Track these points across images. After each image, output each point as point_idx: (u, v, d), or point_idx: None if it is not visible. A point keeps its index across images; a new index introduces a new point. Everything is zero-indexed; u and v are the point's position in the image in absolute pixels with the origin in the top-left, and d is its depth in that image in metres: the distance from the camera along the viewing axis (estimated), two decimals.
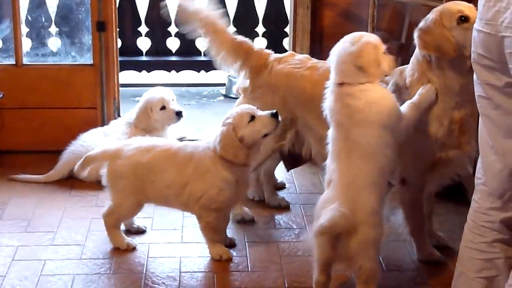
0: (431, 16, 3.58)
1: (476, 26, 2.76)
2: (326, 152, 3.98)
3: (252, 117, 3.67)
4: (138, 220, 4.16)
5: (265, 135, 3.70)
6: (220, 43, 4.12)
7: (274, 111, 3.69)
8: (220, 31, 4.13)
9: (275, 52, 4.24)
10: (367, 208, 3.18)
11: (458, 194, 4.09)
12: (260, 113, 3.72)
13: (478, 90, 2.86)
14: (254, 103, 4.03)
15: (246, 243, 4.04)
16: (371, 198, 3.19)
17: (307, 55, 4.17)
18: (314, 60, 4.09)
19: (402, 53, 4.92)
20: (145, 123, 4.95)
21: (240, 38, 4.18)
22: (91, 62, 5.15)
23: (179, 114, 4.97)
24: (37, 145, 5.11)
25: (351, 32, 5.15)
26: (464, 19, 3.44)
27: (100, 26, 5.08)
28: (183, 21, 4.17)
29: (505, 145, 2.80)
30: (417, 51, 3.68)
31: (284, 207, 4.44)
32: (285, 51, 5.66)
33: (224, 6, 6.81)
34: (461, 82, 3.47)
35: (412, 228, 3.81)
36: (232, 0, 6.94)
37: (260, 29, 6.93)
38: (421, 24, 3.60)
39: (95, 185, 4.64)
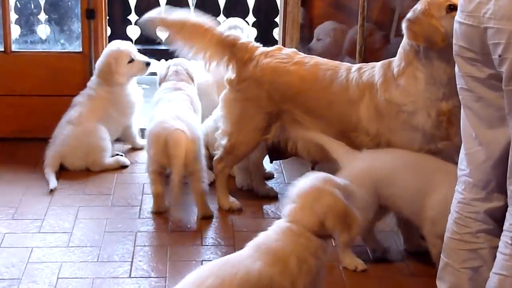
0: (419, 6, 3.59)
1: (458, 18, 2.78)
2: (312, 147, 4.00)
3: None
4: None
5: None
6: (205, 45, 4.11)
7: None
8: (205, 33, 4.11)
9: (265, 42, 4.24)
10: None
11: None
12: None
13: (460, 82, 2.87)
14: (239, 95, 4.04)
15: (234, 233, 4.04)
16: None
17: (294, 49, 4.16)
18: (301, 55, 4.07)
19: (390, 45, 4.95)
20: (109, 77, 4.86)
21: (227, 33, 4.18)
22: (80, 49, 5.14)
23: (148, 65, 4.94)
24: (25, 133, 5.10)
25: (341, 22, 5.20)
26: (452, 8, 3.46)
27: (90, 14, 5.06)
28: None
29: (488, 136, 2.82)
30: (404, 41, 3.69)
31: (273, 197, 4.45)
32: (275, 41, 5.68)
33: None
34: (449, 72, 3.48)
35: (399, 219, 3.83)
36: None
37: (251, 18, 6.91)
38: (409, 15, 3.62)
39: (83, 173, 4.66)
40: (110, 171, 4.76)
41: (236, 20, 5.01)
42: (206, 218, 4.16)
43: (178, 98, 4.42)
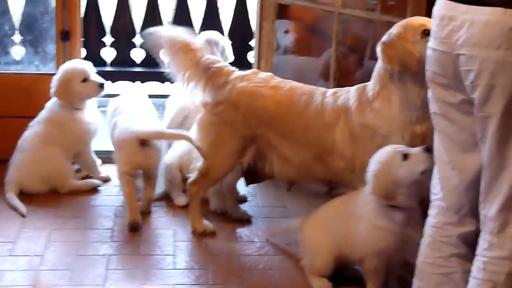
0: (394, 30, 3.62)
1: (431, 45, 2.81)
2: (288, 170, 4.01)
3: (405, 156, 3.41)
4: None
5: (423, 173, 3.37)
6: (186, 65, 4.12)
7: (426, 146, 3.41)
8: (189, 53, 4.13)
9: (240, 66, 4.24)
10: None
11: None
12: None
13: (433, 107, 2.90)
14: (215, 119, 4.04)
15: (208, 256, 4.03)
16: None
17: (270, 74, 4.16)
18: (277, 79, 4.08)
19: (364, 69, 4.97)
20: (65, 96, 4.74)
21: (206, 56, 4.17)
22: (55, 71, 5.11)
23: (101, 86, 4.78)
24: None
25: (317, 46, 5.22)
26: (427, 33, 3.48)
27: (65, 36, 5.05)
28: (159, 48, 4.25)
29: (462, 160, 2.85)
30: (379, 64, 3.71)
31: (246, 220, 4.44)
32: (250, 64, 5.69)
33: (189, 19, 6.82)
34: (423, 96, 3.50)
35: None
36: (197, 13, 6.93)
37: None
38: (384, 38, 3.65)
39: (55, 196, 4.63)
40: (83, 193, 4.72)
41: (211, 33, 4.99)
42: (134, 227, 4.27)
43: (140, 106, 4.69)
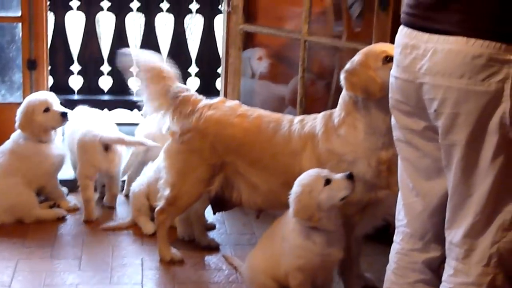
0: (357, 57, 3.65)
1: (393, 73, 2.83)
2: (257, 198, 4.02)
3: (328, 181, 3.53)
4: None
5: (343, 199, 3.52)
6: (157, 93, 4.13)
7: (348, 172, 3.54)
8: (160, 81, 4.14)
9: (208, 92, 4.26)
10: None
11: (386, 235, 4.13)
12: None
13: (397, 134, 2.93)
14: (182, 147, 4.04)
15: (176, 285, 4.02)
16: None
17: (238, 102, 4.18)
18: (245, 107, 4.10)
19: (331, 94, 5.01)
20: (28, 128, 4.71)
21: (176, 85, 4.18)
22: (21, 100, 5.08)
23: (64, 116, 4.72)
24: None
25: (283, 74, 5.26)
26: (389, 59, 3.51)
27: (31, 65, 5.04)
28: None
29: (425, 186, 2.87)
30: (344, 92, 3.74)
31: (214, 248, 4.43)
32: (218, 91, 5.71)
33: (157, 45, 6.84)
34: (388, 122, 3.50)
35: (341, 269, 3.84)
36: (165, 39, 6.95)
37: (193, 69, 6.95)
38: (347, 66, 3.67)
39: (22, 225, 4.59)
40: (50, 222, 4.68)
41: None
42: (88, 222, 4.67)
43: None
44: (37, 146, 4.76)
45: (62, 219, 4.74)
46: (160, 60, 4.26)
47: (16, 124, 4.74)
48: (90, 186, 4.74)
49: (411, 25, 2.71)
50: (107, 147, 4.73)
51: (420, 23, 2.67)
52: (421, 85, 2.66)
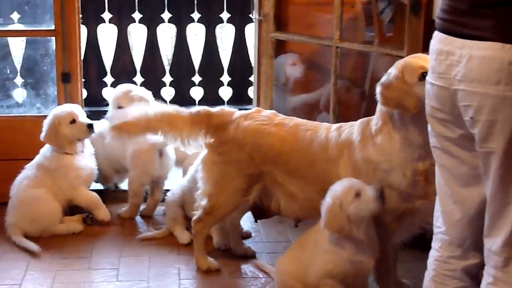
0: (393, 71, 3.56)
1: (429, 79, 2.80)
2: (294, 207, 4.02)
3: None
4: None
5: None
6: (179, 128, 4.14)
7: (377, 186, 3.59)
8: (174, 118, 4.16)
9: (240, 102, 4.26)
10: None
11: (423, 241, 4.11)
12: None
13: (433, 141, 2.90)
14: (219, 158, 4.04)
15: None
16: None
17: (274, 111, 4.18)
18: (281, 116, 4.10)
19: (365, 101, 5.00)
20: (54, 140, 4.76)
21: (196, 108, 4.21)
22: None
23: (90, 127, 4.78)
24: (2, 197, 5.06)
25: (315, 81, 5.26)
26: (425, 75, 3.47)
27: (65, 78, 5.09)
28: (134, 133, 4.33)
29: (463, 194, 2.83)
30: None
31: (250, 256, 4.44)
32: (250, 100, 5.72)
33: (189, 55, 6.88)
34: (424, 136, 3.47)
35: (377, 276, 3.83)
36: (197, 49, 6.98)
37: (225, 78, 6.97)
38: (383, 79, 3.59)
39: (60, 237, 4.63)
40: (87, 234, 4.72)
41: (141, 91, 5.14)
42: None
43: None
44: (63, 159, 4.79)
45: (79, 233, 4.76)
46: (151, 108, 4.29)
47: (42, 135, 4.79)
48: (141, 192, 4.98)
49: (445, 31, 2.69)
50: (161, 152, 4.89)
51: (455, 29, 2.64)
52: (456, 92, 2.63)
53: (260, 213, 4.26)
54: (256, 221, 4.42)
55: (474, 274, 2.89)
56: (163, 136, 4.19)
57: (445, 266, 2.95)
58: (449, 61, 2.65)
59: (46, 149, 4.84)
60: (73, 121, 4.76)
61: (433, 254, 3.00)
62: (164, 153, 4.92)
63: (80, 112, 4.83)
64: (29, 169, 4.82)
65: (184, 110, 4.19)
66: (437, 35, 2.75)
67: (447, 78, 2.67)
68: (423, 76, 3.43)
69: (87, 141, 4.92)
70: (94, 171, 4.92)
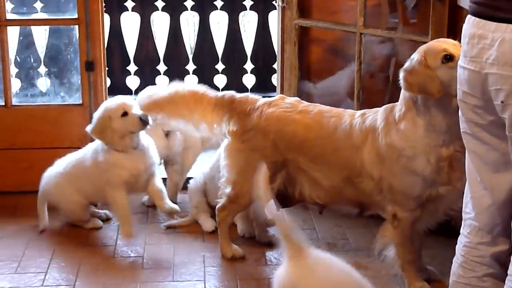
0: (416, 56, 3.56)
1: (461, 63, 2.77)
2: (319, 194, 4.01)
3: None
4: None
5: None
6: (203, 108, 4.15)
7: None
8: (201, 97, 4.17)
9: (264, 89, 4.25)
10: None
11: (448, 227, 4.09)
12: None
13: (463, 127, 2.87)
14: (243, 146, 4.04)
15: (238, 281, 4.03)
16: None
17: (297, 98, 4.17)
18: (305, 103, 4.09)
19: (389, 88, 4.97)
20: (103, 134, 4.36)
21: (221, 92, 4.21)
22: (80, 102, 5.15)
23: (143, 119, 4.32)
24: (26, 186, 5.08)
25: (339, 68, 5.23)
26: (449, 58, 3.44)
27: (89, 66, 5.09)
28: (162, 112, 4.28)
29: (493, 180, 2.81)
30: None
31: (275, 244, 4.43)
32: (274, 87, 5.70)
33: (212, 43, 6.87)
34: (448, 121, 3.47)
35: (403, 262, 3.82)
36: (220, 37, 6.98)
37: (249, 65, 6.96)
38: (406, 65, 3.58)
39: (83, 223, 4.65)
40: (112, 223, 4.75)
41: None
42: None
43: None
44: (113, 155, 4.41)
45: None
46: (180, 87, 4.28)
47: (89, 128, 4.44)
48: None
49: (478, 15, 2.66)
50: (167, 133, 4.86)
51: (488, 12, 2.61)
52: (487, 76, 2.61)
53: (284, 201, 4.25)
54: (278, 210, 4.41)
55: (504, 261, 2.86)
56: (189, 119, 4.18)
57: (474, 252, 2.92)
58: (481, 44, 2.62)
59: (97, 145, 4.50)
60: (125, 114, 4.35)
61: (462, 240, 2.98)
62: (171, 134, 4.87)
63: (132, 103, 4.42)
64: (65, 165, 4.64)
65: (211, 92, 4.20)
66: (469, 19, 2.72)
67: (478, 62, 2.64)
68: (446, 58, 3.42)
69: (146, 137, 4.53)
70: (143, 174, 4.46)
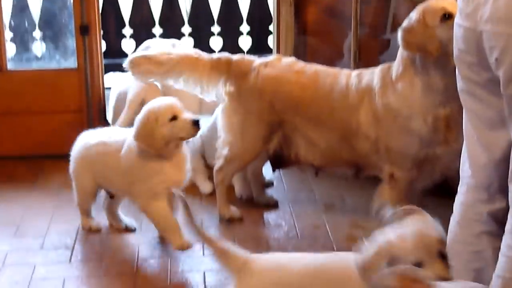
0: (414, 15, 3.56)
1: (457, 20, 2.75)
2: (315, 155, 4.01)
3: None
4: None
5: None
6: (199, 72, 4.11)
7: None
8: (195, 61, 4.12)
9: (260, 51, 4.24)
10: None
11: (445, 187, 4.10)
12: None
13: (460, 85, 2.87)
14: (240, 106, 4.03)
15: (236, 241, 4.03)
16: None
17: (294, 58, 4.16)
18: (302, 63, 4.08)
19: (387, 48, 4.95)
20: (148, 141, 3.76)
21: (217, 55, 4.18)
22: (76, 65, 5.14)
23: (196, 124, 3.78)
24: (23, 150, 5.09)
25: (335, 28, 5.20)
26: (447, 17, 3.44)
27: (84, 30, 5.07)
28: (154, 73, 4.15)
29: (490, 137, 2.81)
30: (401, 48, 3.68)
31: (273, 205, 4.45)
32: (270, 49, 5.68)
33: (208, 5, 6.83)
34: (446, 80, 3.47)
35: None
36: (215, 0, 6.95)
37: (245, 27, 6.93)
38: (404, 24, 3.59)
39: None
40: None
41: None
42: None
43: None
44: (151, 160, 3.84)
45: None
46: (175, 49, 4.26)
47: (133, 134, 3.80)
48: None
49: None
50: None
51: None
52: (481, 33, 2.59)
53: (278, 162, 4.27)
54: (273, 171, 4.42)
55: (501, 219, 2.86)
56: (183, 81, 4.15)
57: (471, 210, 2.93)
58: (477, 1, 2.60)
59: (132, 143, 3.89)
60: (174, 118, 3.78)
61: (459, 198, 2.99)
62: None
63: (181, 106, 3.84)
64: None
65: (206, 55, 4.17)
66: None
67: (473, 19, 2.62)
68: (445, 17, 3.42)
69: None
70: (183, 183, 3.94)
